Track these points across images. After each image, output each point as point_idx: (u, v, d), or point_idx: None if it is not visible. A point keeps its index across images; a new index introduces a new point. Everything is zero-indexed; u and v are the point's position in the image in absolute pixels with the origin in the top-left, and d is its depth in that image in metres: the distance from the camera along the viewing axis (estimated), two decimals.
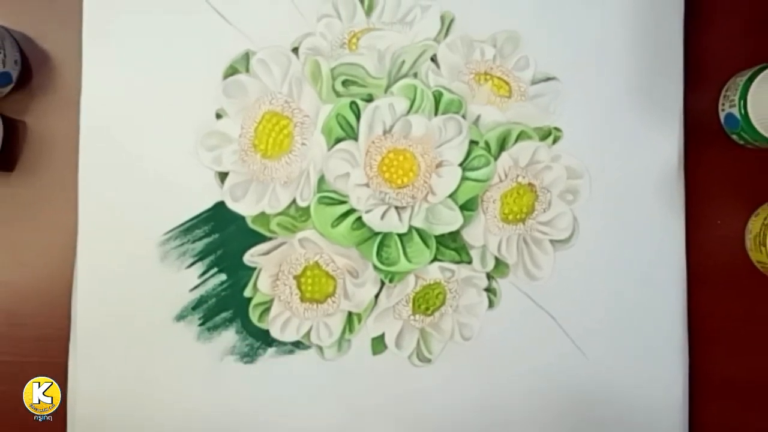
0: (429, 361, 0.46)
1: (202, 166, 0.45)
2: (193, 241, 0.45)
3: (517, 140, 0.46)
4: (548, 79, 0.46)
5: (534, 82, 0.46)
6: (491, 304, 0.46)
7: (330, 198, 0.45)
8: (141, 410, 0.45)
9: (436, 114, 0.46)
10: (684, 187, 0.47)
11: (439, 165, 0.46)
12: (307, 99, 0.45)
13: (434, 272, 0.46)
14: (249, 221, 0.45)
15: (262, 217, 0.45)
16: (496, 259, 0.46)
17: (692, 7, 0.47)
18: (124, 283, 0.45)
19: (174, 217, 0.45)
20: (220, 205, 0.45)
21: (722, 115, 0.47)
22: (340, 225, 0.45)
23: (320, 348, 0.46)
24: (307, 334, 0.46)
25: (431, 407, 0.46)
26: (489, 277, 0.46)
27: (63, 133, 0.46)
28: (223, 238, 0.45)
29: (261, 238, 0.45)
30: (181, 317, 0.45)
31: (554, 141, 0.46)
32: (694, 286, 0.47)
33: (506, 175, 0.46)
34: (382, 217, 0.46)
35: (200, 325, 0.45)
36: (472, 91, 0.46)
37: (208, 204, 0.45)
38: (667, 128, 0.47)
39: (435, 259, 0.46)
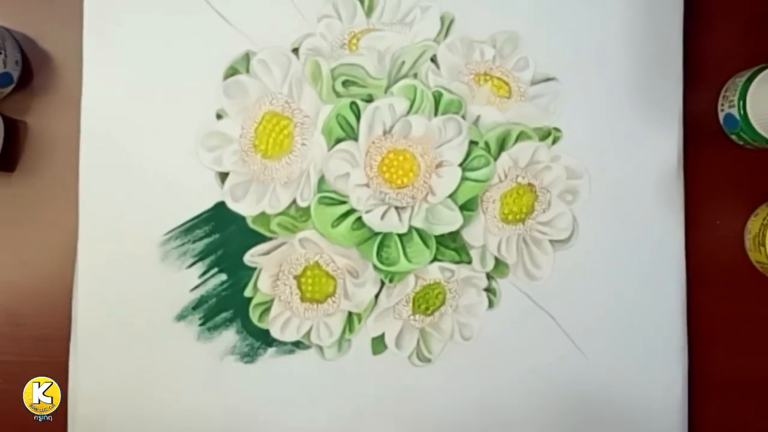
0: (429, 361, 0.46)
1: (202, 167, 0.45)
2: (194, 241, 0.45)
3: (516, 140, 0.46)
4: (548, 79, 0.46)
5: (534, 83, 0.46)
6: (491, 304, 0.46)
7: (330, 198, 0.45)
8: (141, 410, 0.45)
9: (435, 114, 0.46)
10: (683, 188, 0.47)
11: (439, 165, 0.46)
12: (308, 99, 0.45)
13: (434, 272, 0.46)
14: (249, 221, 0.45)
15: (263, 218, 0.45)
16: (496, 259, 0.46)
17: (692, 8, 0.47)
18: (125, 283, 0.45)
19: (174, 217, 0.45)
20: (221, 206, 0.45)
21: (721, 116, 0.47)
22: (340, 225, 0.45)
23: (320, 348, 0.46)
24: (308, 334, 0.46)
25: (431, 407, 0.46)
26: (489, 277, 0.46)
27: (64, 133, 0.46)
28: (223, 238, 0.45)
29: (261, 238, 0.45)
30: (181, 317, 0.45)
31: (554, 141, 0.46)
32: (694, 286, 0.47)
33: (506, 176, 0.46)
34: (382, 217, 0.46)
35: (200, 325, 0.45)
36: (471, 91, 0.46)
37: (208, 204, 0.45)
38: (666, 128, 0.47)
39: (435, 259, 0.46)
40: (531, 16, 0.46)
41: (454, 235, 0.46)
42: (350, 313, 0.46)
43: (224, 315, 0.45)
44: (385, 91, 0.46)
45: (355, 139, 0.45)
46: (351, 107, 0.45)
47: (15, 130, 0.46)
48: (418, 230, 0.46)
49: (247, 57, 0.45)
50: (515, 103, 0.46)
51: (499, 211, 0.46)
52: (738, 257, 0.48)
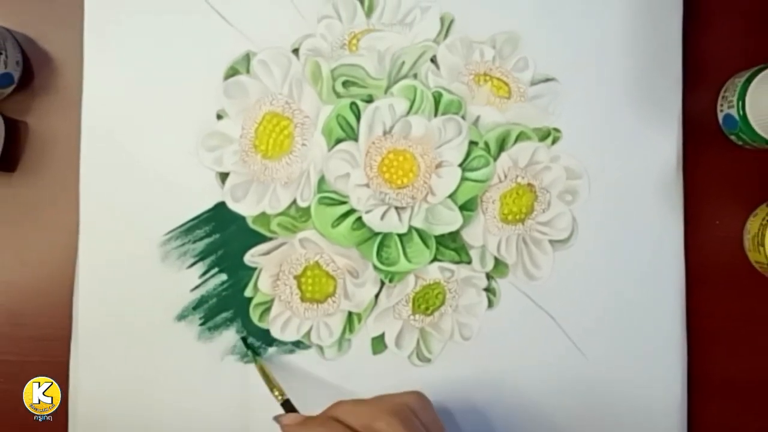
0: (429, 360, 0.46)
1: (202, 167, 0.45)
2: (194, 242, 0.45)
3: (516, 141, 0.46)
4: (547, 80, 0.47)
5: (533, 83, 0.47)
6: (491, 304, 0.46)
7: (330, 198, 0.45)
8: (142, 409, 0.45)
9: (435, 115, 0.46)
10: (683, 188, 0.47)
11: (438, 165, 0.46)
12: (308, 100, 0.46)
13: (434, 272, 0.46)
14: (250, 221, 0.45)
15: (263, 218, 0.45)
16: (496, 259, 0.46)
17: (691, 9, 0.47)
18: (125, 283, 0.45)
19: (175, 217, 0.45)
20: (221, 206, 0.45)
21: (721, 116, 0.48)
22: (340, 225, 0.46)
23: (320, 348, 0.46)
24: (308, 333, 0.46)
25: None
26: (488, 277, 0.46)
27: (64, 133, 0.46)
28: (223, 239, 0.45)
29: (261, 239, 0.46)
30: (181, 317, 0.45)
31: (553, 142, 0.46)
32: (693, 286, 0.47)
33: (506, 176, 0.46)
34: (382, 217, 0.46)
35: (201, 324, 0.45)
36: (471, 92, 0.46)
37: (208, 204, 0.45)
38: (665, 129, 0.47)
39: (435, 259, 0.46)
40: (531, 17, 0.46)
41: (454, 235, 0.46)
42: (350, 313, 0.46)
43: (224, 315, 0.45)
44: (385, 92, 0.46)
45: (355, 139, 0.46)
46: (351, 107, 0.46)
47: (16, 131, 0.46)
48: (418, 230, 0.46)
49: (247, 57, 0.46)
50: (515, 104, 0.46)
51: (498, 211, 0.46)
52: (737, 257, 0.48)
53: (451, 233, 0.46)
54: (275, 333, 0.46)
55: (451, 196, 0.46)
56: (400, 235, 0.46)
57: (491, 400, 0.46)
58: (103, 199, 0.45)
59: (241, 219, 0.45)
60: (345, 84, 0.46)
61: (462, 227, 0.46)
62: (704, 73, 0.48)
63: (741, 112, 0.45)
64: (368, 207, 0.46)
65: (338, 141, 0.46)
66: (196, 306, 0.45)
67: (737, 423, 0.48)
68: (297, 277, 0.46)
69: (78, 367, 0.45)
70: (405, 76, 0.46)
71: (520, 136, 0.46)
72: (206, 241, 0.45)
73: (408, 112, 0.46)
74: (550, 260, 0.46)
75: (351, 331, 0.46)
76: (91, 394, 0.45)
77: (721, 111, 0.47)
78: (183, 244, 0.45)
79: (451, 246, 0.46)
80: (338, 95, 0.46)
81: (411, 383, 0.45)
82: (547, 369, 0.46)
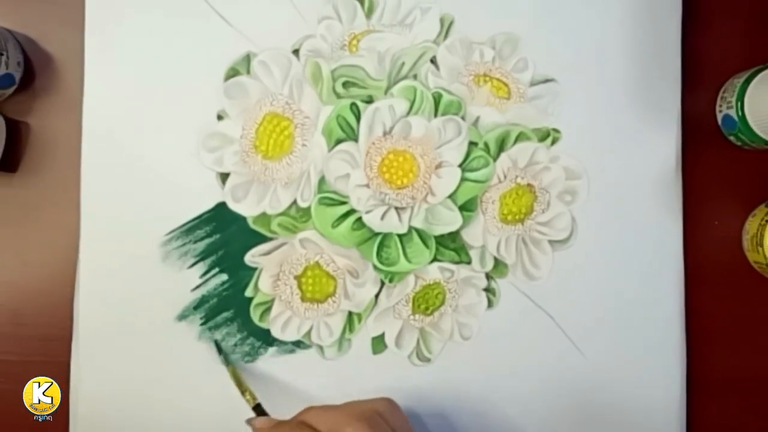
0: (429, 360, 0.46)
1: (203, 167, 0.45)
2: (195, 242, 0.45)
3: (516, 141, 0.46)
4: (547, 80, 0.47)
5: (533, 84, 0.47)
6: (490, 304, 0.46)
7: (330, 199, 0.46)
8: (143, 409, 0.45)
9: (435, 115, 0.46)
10: (682, 188, 0.47)
11: (438, 166, 0.46)
12: (308, 100, 0.46)
13: (434, 272, 0.46)
14: (250, 222, 0.46)
15: (263, 218, 0.46)
16: (495, 259, 0.46)
17: (690, 9, 0.47)
18: (126, 283, 0.45)
19: (176, 217, 0.45)
20: (222, 206, 0.45)
21: (719, 117, 0.48)
22: (340, 225, 0.46)
23: (321, 347, 0.46)
24: (308, 333, 0.46)
25: (431, 407, 0.46)
26: (488, 277, 0.46)
27: (65, 134, 0.46)
28: (224, 239, 0.46)
29: (262, 239, 0.46)
30: (182, 317, 0.45)
31: (553, 142, 0.47)
32: (692, 286, 0.47)
33: (505, 176, 0.46)
34: (382, 217, 0.46)
35: (202, 324, 0.45)
36: (471, 92, 0.46)
37: (209, 205, 0.45)
38: (664, 129, 0.47)
39: (434, 260, 0.46)
40: (530, 18, 0.46)
41: (454, 236, 0.46)
42: (350, 313, 0.46)
43: (225, 315, 0.46)
44: (385, 92, 0.46)
45: (356, 139, 0.46)
46: (351, 108, 0.46)
47: (17, 131, 0.47)
48: (417, 230, 0.46)
49: (247, 58, 0.46)
50: (514, 104, 0.47)
51: (498, 211, 0.46)
52: (736, 257, 0.48)
53: (450, 233, 0.46)
54: (275, 333, 0.46)
55: (450, 197, 0.46)
56: (400, 236, 0.46)
57: (491, 400, 0.46)
58: (103, 200, 0.45)
59: (241, 219, 0.46)
60: (345, 85, 0.46)
61: (462, 227, 0.46)
62: (703, 73, 0.48)
63: (740, 113, 0.45)
64: (368, 207, 0.46)
65: (338, 141, 0.46)
66: (197, 306, 0.45)
67: (736, 423, 0.48)
68: (297, 277, 0.46)
69: (79, 367, 0.45)
70: (405, 77, 0.46)
71: (520, 137, 0.46)
72: (207, 241, 0.45)
73: (408, 113, 0.46)
74: (549, 260, 0.47)
75: (351, 330, 0.46)
76: (92, 394, 0.45)
77: (720, 111, 0.47)
78: (184, 245, 0.45)
79: (451, 246, 0.46)
80: (338, 96, 0.46)
81: (411, 383, 0.46)
82: (547, 369, 0.46)
